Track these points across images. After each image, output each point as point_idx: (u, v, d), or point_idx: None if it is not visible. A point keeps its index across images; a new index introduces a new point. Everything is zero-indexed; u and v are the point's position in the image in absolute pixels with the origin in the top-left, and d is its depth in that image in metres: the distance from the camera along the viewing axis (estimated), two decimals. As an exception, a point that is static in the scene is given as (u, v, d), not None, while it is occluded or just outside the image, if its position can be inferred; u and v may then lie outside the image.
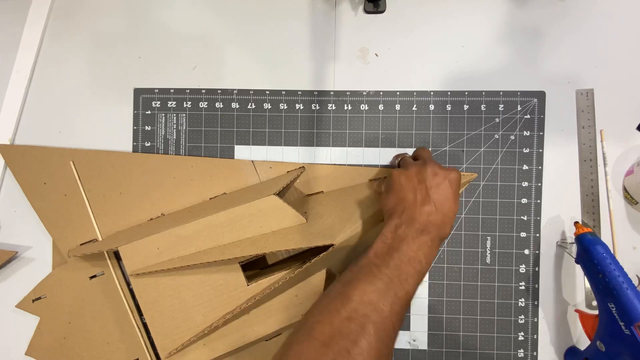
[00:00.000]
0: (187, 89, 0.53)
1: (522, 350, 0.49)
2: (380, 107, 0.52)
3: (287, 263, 0.49)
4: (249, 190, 0.50)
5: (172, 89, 0.53)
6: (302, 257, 0.48)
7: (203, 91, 0.53)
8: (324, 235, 0.44)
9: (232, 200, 0.48)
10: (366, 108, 0.52)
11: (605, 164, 0.50)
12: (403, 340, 0.50)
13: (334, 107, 0.52)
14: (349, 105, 0.52)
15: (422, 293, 0.50)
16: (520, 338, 0.49)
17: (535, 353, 0.49)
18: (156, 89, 0.53)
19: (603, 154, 0.50)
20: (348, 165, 0.52)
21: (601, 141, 0.50)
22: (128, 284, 0.50)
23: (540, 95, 0.51)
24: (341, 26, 0.53)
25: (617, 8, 0.51)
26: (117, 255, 0.50)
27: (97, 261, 0.50)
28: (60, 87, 0.54)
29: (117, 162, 0.51)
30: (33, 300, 0.50)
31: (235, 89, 0.53)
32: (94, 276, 0.50)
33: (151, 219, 0.51)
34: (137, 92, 0.53)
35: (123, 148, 0.53)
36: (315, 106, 0.52)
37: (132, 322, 0.49)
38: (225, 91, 0.53)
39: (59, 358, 0.49)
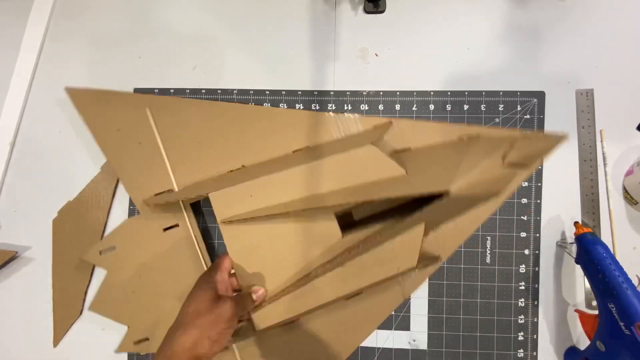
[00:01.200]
0: (187, 89, 0.53)
1: (522, 350, 0.49)
2: (380, 107, 0.52)
3: (374, 222, 0.45)
4: (337, 144, 0.47)
5: (172, 89, 0.53)
6: (389, 214, 0.44)
7: (203, 91, 0.53)
8: (434, 183, 0.40)
9: (320, 153, 0.45)
10: (366, 108, 0.52)
11: (605, 164, 0.50)
12: (403, 340, 0.50)
13: (334, 107, 0.52)
14: (349, 105, 0.52)
15: (422, 293, 0.50)
16: (520, 338, 0.49)
17: (535, 353, 0.49)
18: (156, 89, 0.53)
19: (603, 154, 0.50)
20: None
21: (601, 141, 0.50)
22: (204, 237, 0.48)
23: (540, 95, 0.51)
24: (341, 26, 0.53)
25: (617, 8, 0.51)
26: (193, 207, 0.48)
27: (172, 213, 0.48)
28: (61, 88, 0.54)
29: (197, 111, 0.48)
30: (101, 252, 0.47)
31: (235, 89, 0.53)
32: (169, 228, 0.48)
33: (231, 171, 0.47)
34: (137, 92, 0.54)
35: (123, 148, 0.53)
36: (315, 106, 0.52)
37: None
38: (225, 91, 0.53)
39: (125, 313, 0.47)
